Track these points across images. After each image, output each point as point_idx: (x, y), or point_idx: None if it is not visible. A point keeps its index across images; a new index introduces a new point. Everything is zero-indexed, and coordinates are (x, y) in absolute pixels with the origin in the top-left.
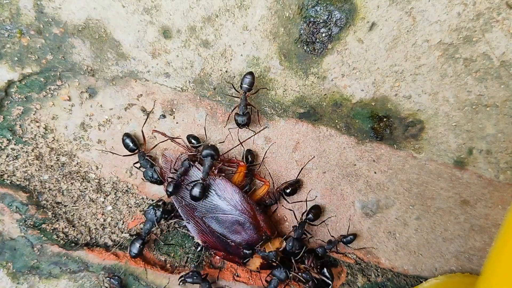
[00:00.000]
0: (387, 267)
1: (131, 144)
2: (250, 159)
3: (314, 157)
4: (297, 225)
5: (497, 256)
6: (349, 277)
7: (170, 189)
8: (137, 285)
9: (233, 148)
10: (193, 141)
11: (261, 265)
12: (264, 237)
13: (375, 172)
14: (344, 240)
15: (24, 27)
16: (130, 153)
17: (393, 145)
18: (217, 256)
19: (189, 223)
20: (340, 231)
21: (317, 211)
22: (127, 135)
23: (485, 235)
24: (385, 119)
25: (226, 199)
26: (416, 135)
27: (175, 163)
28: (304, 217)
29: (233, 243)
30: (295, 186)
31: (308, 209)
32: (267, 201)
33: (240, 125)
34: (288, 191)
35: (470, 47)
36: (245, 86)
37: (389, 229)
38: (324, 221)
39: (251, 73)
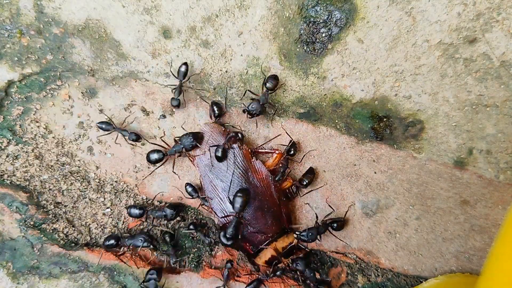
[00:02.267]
0: (387, 267)
1: (156, 156)
2: (292, 151)
3: (315, 149)
4: (318, 225)
5: (497, 256)
6: (349, 277)
7: (219, 154)
8: (137, 285)
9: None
10: (215, 108)
11: (269, 259)
12: (282, 229)
13: (375, 172)
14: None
15: (24, 27)
16: (161, 161)
17: (393, 145)
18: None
19: (212, 199)
20: (340, 232)
21: (341, 223)
22: (152, 152)
23: (485, 235)
24: (385, 119)
25: (257, 182)
26: (416, 135)
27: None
28: (327, 220)
29: (250, 228)
30: (312, 177)
31: (331, 218)
32: (291, 189)
33: (251, 112)
34: (305, 183)
35: (470, 47)
36: (269, 85)
37: (389, 229)
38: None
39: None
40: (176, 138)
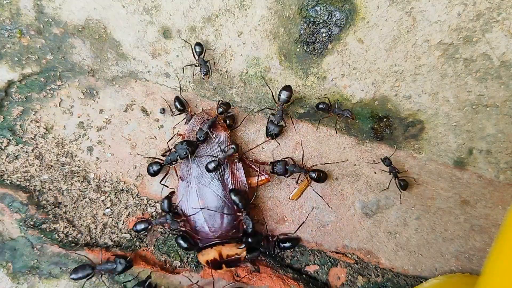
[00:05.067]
0: (387, 267)
1: (154, 167)
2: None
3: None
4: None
5: (497, 256)
6: (349, 277)
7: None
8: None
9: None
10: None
11: (211, 261)
12: (234, 237)
13: (375, 172)
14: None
15: (24, 27)
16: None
17: (393, 145)
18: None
19: (182, 180)
20: (340, 232)
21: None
22: (151, 165)
23: (485, 235)
24: (385, 119)
25: (230, 181)
26: (416, 135)
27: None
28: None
29: (204, 224)
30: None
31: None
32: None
33: (271, 134)
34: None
35: (470, 47)
36: (283, 98)
37: (389, 229)
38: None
39: (289, 87)
40: (172, 147)
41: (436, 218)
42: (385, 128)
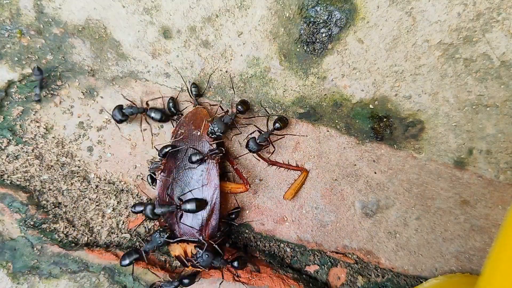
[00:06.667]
0: (387, 267)
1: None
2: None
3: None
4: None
5: (497, 256)
6: (349, 277)
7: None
8: (137, 285)
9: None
10: (193, 88)
11: (177, 256)
12: (200, 238)
13: (375, 172)
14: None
15: (24, 27)
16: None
17: (393, 145)
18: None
19: (164, 172)
20: (340, 232)
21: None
22: (163, 147)
23: (485, 235)
24: (385, 119)
25: (206, 183)
26: (416, 135)
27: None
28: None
29: (175, 218)
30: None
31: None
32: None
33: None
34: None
35: (470, 47)
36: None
37: (389, 229)
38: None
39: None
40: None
41: (436, 218)
42: (385, 128)
